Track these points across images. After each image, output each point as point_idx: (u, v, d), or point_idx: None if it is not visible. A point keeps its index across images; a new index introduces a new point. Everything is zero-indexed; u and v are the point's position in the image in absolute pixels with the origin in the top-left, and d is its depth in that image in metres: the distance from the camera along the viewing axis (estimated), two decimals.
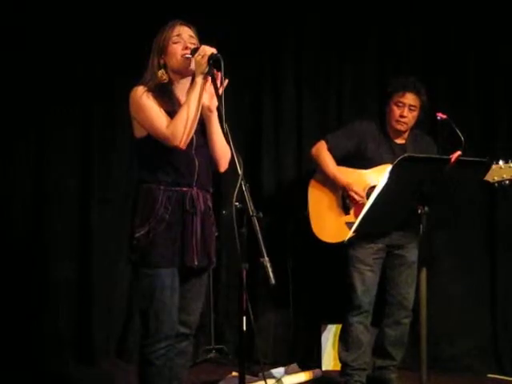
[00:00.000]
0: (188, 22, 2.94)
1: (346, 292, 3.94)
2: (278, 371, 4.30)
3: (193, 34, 2.92)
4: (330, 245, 3.95)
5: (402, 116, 3.87)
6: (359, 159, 3.95)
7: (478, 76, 4.71)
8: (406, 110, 3.86)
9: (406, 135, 3.97)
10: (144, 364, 2.87)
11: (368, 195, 3.84)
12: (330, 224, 3.98)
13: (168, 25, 2.92)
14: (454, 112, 3.82)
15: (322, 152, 3.99)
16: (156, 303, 2.83)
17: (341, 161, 3.99)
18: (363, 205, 3.72)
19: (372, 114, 4.40)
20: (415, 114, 3.90)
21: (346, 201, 3.96)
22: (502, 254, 4.64)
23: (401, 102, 3.88)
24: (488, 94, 4.70)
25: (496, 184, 3.58)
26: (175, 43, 2.88)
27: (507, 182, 3.58)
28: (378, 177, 3.80)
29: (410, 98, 3.87)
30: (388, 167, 3.72)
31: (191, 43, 2.88)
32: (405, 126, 3.90)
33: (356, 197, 3.88)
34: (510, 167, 3.57)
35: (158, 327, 2.84)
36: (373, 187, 3.82)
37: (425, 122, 4.06)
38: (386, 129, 3.97)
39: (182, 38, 2.88)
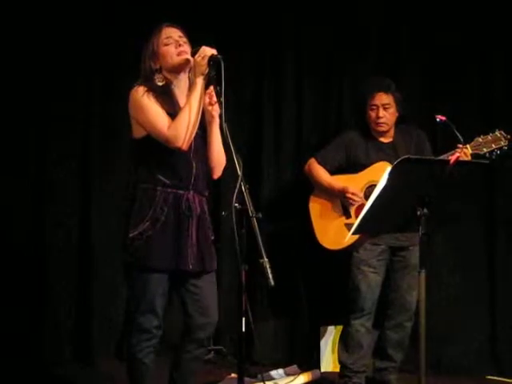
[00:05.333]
0: (177, 23, 2.95)
1: (348, 294, 3.95)
2: (277, 373, 4.31)
3: (182, 34, 2.93)
4: (338, 251, 3.96)
5: (378, 117, 3.91)
6: (351, 167, 4.00)
7: (478, 76, 4.71)
8: (381, 110, 3.91)
9: (391, 133, 4.01)
10: (132, 362, 2.90)
11: (366, 195, 3.87)
12: (334, 232, 4.00)
13: (156, 29, 2.93)
14: (453, 113, 3.82)
15: (314, 167, 4.07)
16: (144, 304, 2.86)
17: (334, 173, 4.05)
18: (363, 205, 3.73)
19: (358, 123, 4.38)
20: (392, 110, 3.93)
21: (345, 205, 3.98)
22: (501, 256, 4.63)
23: (374, 105, 3.93)
24: (488, 95, 4.69)
25: (487, 154, 3.67)
26: (167, 45, 2.89)
27: (498, 151, 3.67)
28: (373, 175, 3.85)
29: (380, 98, 3.92)
30: (382, 164, 3.80)
31: (183, 42, 2.90)
32: (385, 126, 3.94)
33: (354, 197, 3.89)
34: (497, 136, 3.67)
35: (145, 326, 2.86)
36: (370, 186, 3.87)
37: (424, 123, 4.08)
38: (370, 132, 4.01)
39: (173, 39, 2.89)
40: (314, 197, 4.13)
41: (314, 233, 4.09)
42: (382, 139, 4.00)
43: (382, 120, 3.92)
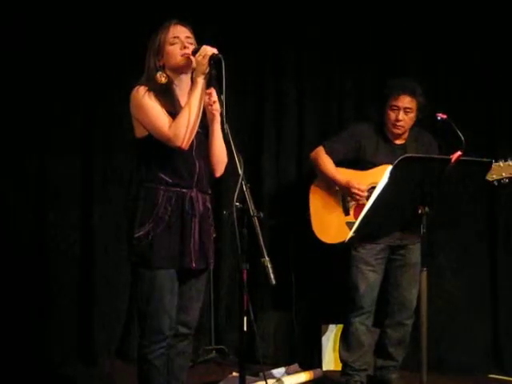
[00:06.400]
0: (184, 21, 2.94)
1: (347, 292, 3.95)
2: (279, 371, 4.31)
3: (189, 34, 2.92)
4: (332, 245, 3.97)
5: (397, 120, 3.87)
6: (359, 162, 3.97)
7: (479, 75, 4.70)
8: (401, 113, 3.86)
9: (405, 135, 3.97)
10: (143, 364, 2.89)
11: (369, 195, 3.84)
12: (330, 225, 4.00)
13: (163, 26, 2.92)
14: (453, 111, 3.82)
15: (321, 156, 4.01)
16: (155, 304, 2.85)
17: (340, 164, 4.01)
18: (363, 205, 3.73)
19: (373, 116, 4.39)
20: (412, 115, 3.89)
21: (346, 201, 3.97)
22: (502, 254, 4.64)
23: (395, 106, 3.87)
24: (489, 94, 4.69)
25: (495, 182, 3.62)
26: (172, 44, 2.88)
27: (506, 180, 3.62)
28: (378, 177, 3.80)
29: (404, 101, 3.86)
30: (388, 167, 3.80)
31: (189, 43, 2.89)
32: (401, 128, 3.91)
33: (358, 192, 3.86)
34: (509, 165, 3.61)
35: (157, 327, 2.86)
36: (372, 188, 3.83)
37: (425, 121, 4.07)
38: (384, 130, 3.97)
39: (180, 39, 2.88)
40: (316, 186, 4.09)
41: (311, 224, 4.06)
42: (396, 140, 3.96)
43: (400, 123, 3.87)
